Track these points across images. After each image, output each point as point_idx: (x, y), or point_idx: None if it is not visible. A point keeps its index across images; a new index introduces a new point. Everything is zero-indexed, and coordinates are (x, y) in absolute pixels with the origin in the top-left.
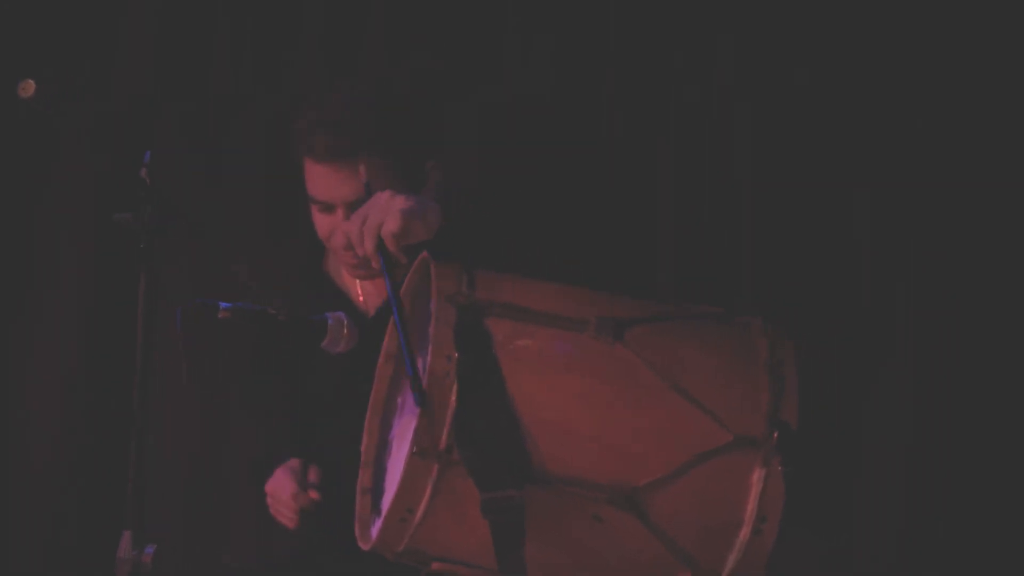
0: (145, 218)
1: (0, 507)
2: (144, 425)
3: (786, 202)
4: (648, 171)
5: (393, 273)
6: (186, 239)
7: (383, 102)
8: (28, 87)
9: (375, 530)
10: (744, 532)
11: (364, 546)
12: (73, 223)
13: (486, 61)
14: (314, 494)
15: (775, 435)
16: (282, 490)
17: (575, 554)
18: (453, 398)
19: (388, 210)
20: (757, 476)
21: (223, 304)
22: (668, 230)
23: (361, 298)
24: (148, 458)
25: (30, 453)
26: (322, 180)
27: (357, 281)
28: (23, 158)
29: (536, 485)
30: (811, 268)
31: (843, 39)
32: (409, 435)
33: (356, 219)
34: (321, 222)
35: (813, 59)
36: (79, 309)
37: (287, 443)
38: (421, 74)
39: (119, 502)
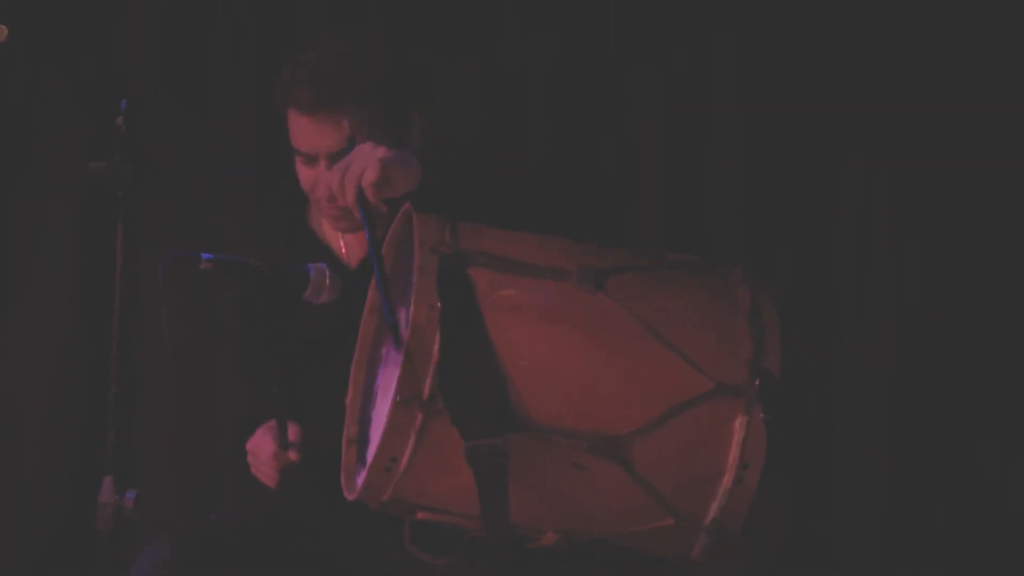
0: (121, 167)
1: None
2: (124, 373)
3: (771, 157)
4: (628, 122)
5: (373, 224)
6: (166, 191)
7: (365, 53)
8: (1, 31)
9: (360, 480)
10: (726, 479)
11: (349, 496)
12: (58, 175)
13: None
14: (293, 454)
15: (756, 383)
16: (262, 450)
17: (558, 501)
18: (436, 347)
19: (368, 160)
20: (739, 423)
21: (204, 255)
22: (649, 182)
23: (344, 251)
24: (128, 405)
25: (24, 407)
26: (304, 131)
27: (340, 234)
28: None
29: (519, 433)
30: (793, 224)
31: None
32: (393, 385)
33: (337, 170)
34: (304, 174)
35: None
36: (67, 264)
37: (272, 397)
38: (405, 31)
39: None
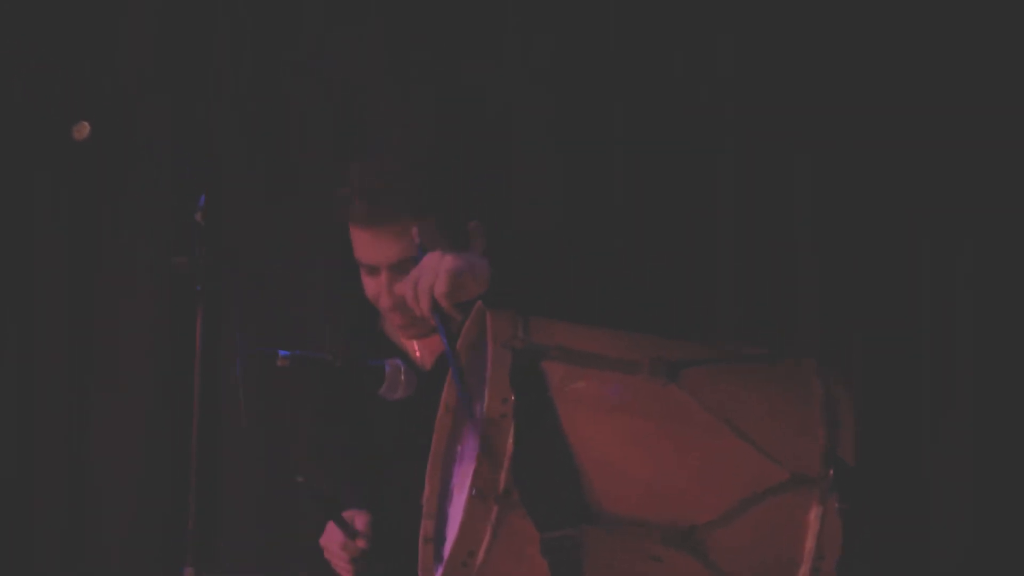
0: (200, 261)
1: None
2: (204, 465)
3: (839, 244)
4: (690, 217)
5: (448, 327)
6: (247, 286)
7: (419, 166)
8: (83, 129)
9: (438, 575)
10: (803, 571)
11: None
12: (141, 268)
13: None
14: (362, 543)
15: (831, 472)
16: (332, 541)
17: None
18: (510, 440)
19: (438, 271)
20: (814, 514)
21: (282, 352)
22: (716, 275)
23: (418, 354)
24: (208, 496)
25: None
26: (365, 244)
27: (415, 345)
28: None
29: (593, 525)
30: (866, 312)
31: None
32: (468, 480)
33: (408, 282)
34: (369, 284)
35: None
36: (151, 356)
37: (350, 492)
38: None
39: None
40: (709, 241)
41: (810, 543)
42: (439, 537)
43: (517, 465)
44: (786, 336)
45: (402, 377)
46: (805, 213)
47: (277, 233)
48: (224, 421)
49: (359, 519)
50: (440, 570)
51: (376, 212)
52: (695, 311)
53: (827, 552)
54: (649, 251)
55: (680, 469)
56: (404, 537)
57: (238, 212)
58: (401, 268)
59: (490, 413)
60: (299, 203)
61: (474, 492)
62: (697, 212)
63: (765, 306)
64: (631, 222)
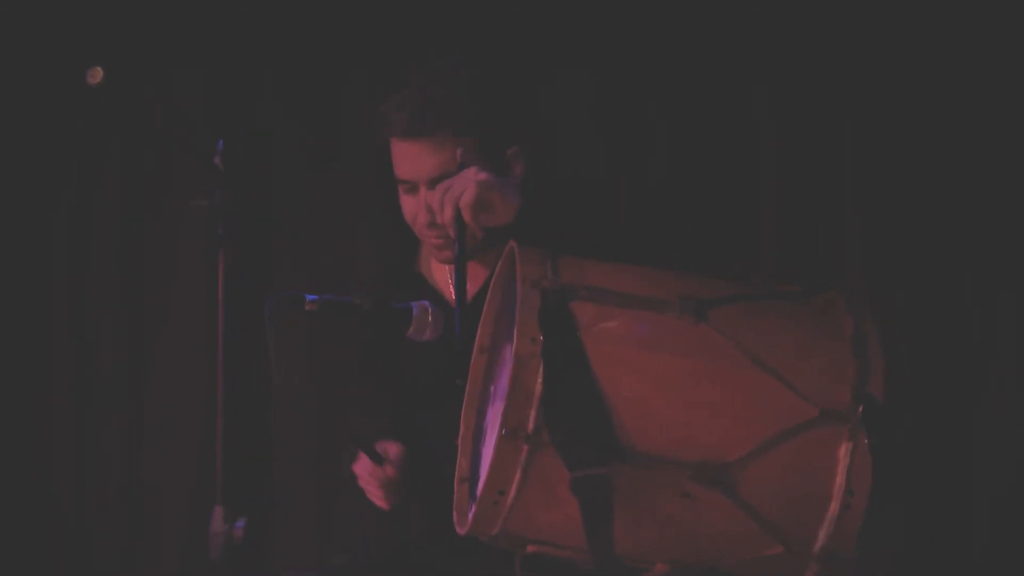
0: (220, 203)
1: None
2: (230, 405)
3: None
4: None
5: (463, 241)
6: (278, 230)
7: (461, 82)
8: (96, 74)
9: (471, 514)
10: (833, 506)
11: (461, 531)
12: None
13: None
14: (390, 469)
15: (860, 409)
16: (364, 468)
17: (664, 531)
18: (539, 380)
19: (467, 182)
20: (844, 450)
21: (309, 296)
22: (754, 216)
23: (453, 294)
24: (237, 435)
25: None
26: (405, 158)
27: (449, 279)
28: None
29: (623, 463)
30: (902, 248)
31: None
32: (499, 420)
33: (439, 189)
34: (407, 204)
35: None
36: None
37: (387, 435)
38: (506, 56)
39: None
40: (747, 180)
41: (840, 479)
42: (474, 477)
43: (546, 404)
44: (821, 276)
45: (429, 318)
46: (847, 154)
47: (313, 178)
48: (255, 368)
49: (391, 448)
50: (474, 508)
51: (417, 123)
52: (728, 251)
53: (857, 488)
54: (684, 190)
55: (710, 407)
56: (441, 477)
57: (270, 157)
58: (439, 183)
59: (519, 353)
60: (337, 143)
61: (504, 431)
62: (734, 150)
63: (801, 247)
64: (669, 161)
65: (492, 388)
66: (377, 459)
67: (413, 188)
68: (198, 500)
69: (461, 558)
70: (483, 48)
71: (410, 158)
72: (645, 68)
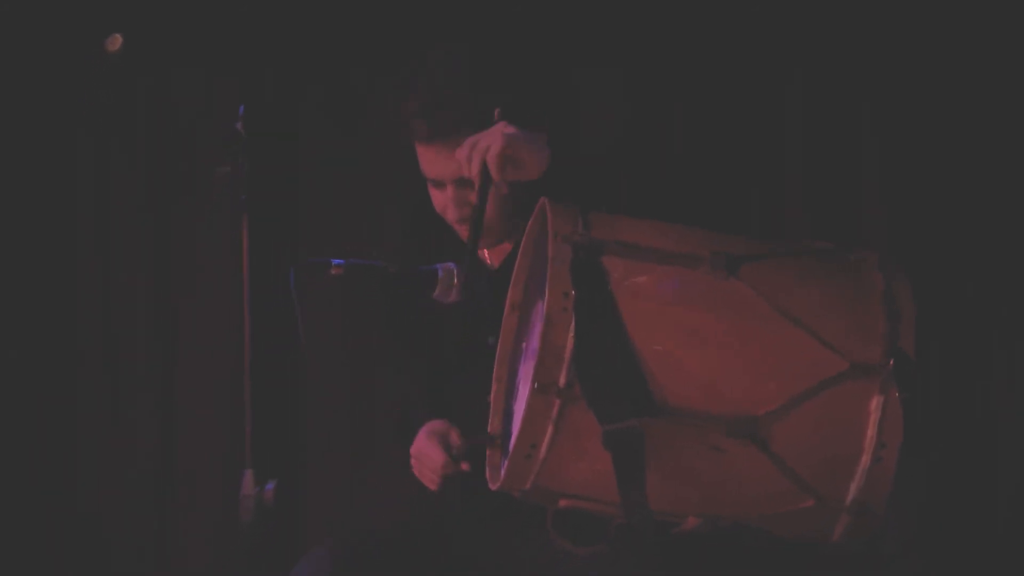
0: (243, 170)
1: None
2: (257, 370)
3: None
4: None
5: (487, 195)
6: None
7: (477, 77)
8: (115, 41)
9: (503, 470)
10: (864, 460)
11: (493, 486)
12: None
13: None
14: (465, 466)
15: (891, 362)
16: (430, 457)
17: (696, 485)
18: (571, 335)
19: (496, 135)
20: (875, 403)
21: (335, 261)
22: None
23: (488, 259)
24: (266, 400)
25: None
26: (429, 160)
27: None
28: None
29: (655, 417)
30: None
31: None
32: (531, 375)
33: (467, 144)
34: (436, 197)
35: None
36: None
37: (419, 397)
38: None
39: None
40: (776, 138)
41: (871, 432)
42: (506, 434)
43: (578, 359)
44: (852, 235)
45: (455, 280)
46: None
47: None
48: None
49: (455, 437)
50: (506, 463)
51: (435, 129)
52: (759, 206)
53: (888, 441)
54: (713, 149)
55: (741, 361)
56: (473, 435)
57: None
58: (467, 182)
59: (551, 308)
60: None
61: (536, 386)
62: (764, 110)
63: (832, 202)
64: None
65: (524, 345)
66: (457, 456)
67: (440, 185)
68: (230, 465)
69: (492, 514)
70: (503, 32)
71: (434, 160)
72: (671, 41)
